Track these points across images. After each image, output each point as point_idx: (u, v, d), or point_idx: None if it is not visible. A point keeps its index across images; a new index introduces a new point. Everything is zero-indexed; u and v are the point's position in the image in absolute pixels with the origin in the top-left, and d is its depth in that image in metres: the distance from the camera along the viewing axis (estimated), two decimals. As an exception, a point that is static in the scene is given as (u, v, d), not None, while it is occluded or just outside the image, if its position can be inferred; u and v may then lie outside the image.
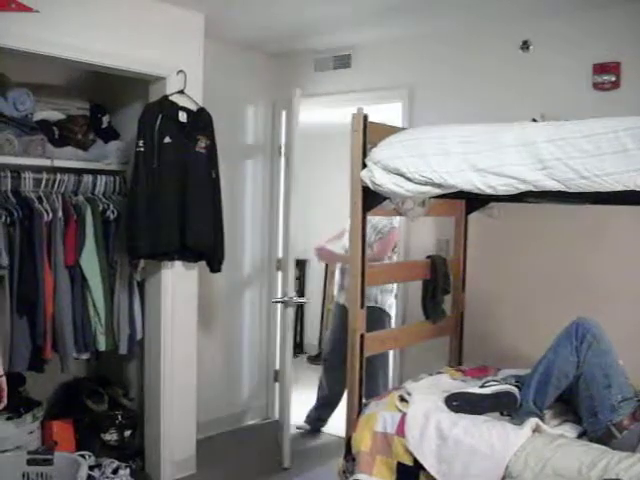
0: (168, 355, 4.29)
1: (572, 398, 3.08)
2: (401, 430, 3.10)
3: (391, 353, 4.89)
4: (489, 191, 2.86)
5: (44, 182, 3.94)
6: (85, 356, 4.10)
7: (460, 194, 3.07)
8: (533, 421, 2.90)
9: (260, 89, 5.39)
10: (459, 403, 3.13)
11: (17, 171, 3.87)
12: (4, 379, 2.53)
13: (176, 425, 4.37)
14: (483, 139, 2.88)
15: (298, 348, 7.77)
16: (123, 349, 4.22)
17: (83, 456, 3.87)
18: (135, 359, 4.53)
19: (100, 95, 4.50)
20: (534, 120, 3.62)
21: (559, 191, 2.71)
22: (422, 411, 3.11)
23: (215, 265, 4.32)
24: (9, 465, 3.55)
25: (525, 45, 4.23)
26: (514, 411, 3.10)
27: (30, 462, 3.55)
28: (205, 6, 4.16)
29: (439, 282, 4.06)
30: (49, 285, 3.85)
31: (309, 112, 5.44)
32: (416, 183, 3.04)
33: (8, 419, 3.89)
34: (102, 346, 4.12)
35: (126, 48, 3.90)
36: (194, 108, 4.19)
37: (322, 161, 7.13)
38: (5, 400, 2.54)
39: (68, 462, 3.61)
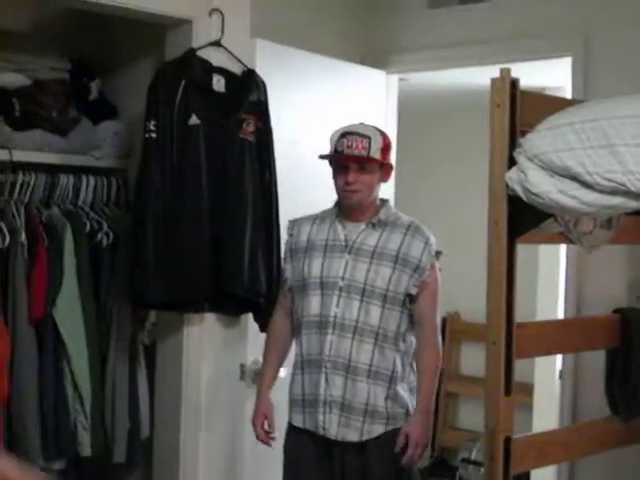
0: (191, 466, 4.25)
1: None
2: None
3: (553, 468, 4.82)
4: None
5: (-3, 186, 3.99)
6: (58, 465, 4.10)
7: (672, 209, 3.09)
8: None
9: (342, 37, 5.39)
10: None
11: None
12: None
13: None
14: None
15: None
16: (119, 454, 4.27)
17: None
18: (138, 470, 4.52)
19: (87, 49, 4.55)
20: None
21: None
22: None
23: (268, 319, 4.17)
24: None
25: None
26: None
27: None
28: None
29: (635, 353, 3.99)
30: (3, 351, 3.85)
31: (418, 74, 5.59)
32: (599, 191, 3.06)
33: None
34: (86, 449, 4.14)
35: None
36: (237, 71, 4.25)
37: (433, 151, 7.13)
38: None
39: None
